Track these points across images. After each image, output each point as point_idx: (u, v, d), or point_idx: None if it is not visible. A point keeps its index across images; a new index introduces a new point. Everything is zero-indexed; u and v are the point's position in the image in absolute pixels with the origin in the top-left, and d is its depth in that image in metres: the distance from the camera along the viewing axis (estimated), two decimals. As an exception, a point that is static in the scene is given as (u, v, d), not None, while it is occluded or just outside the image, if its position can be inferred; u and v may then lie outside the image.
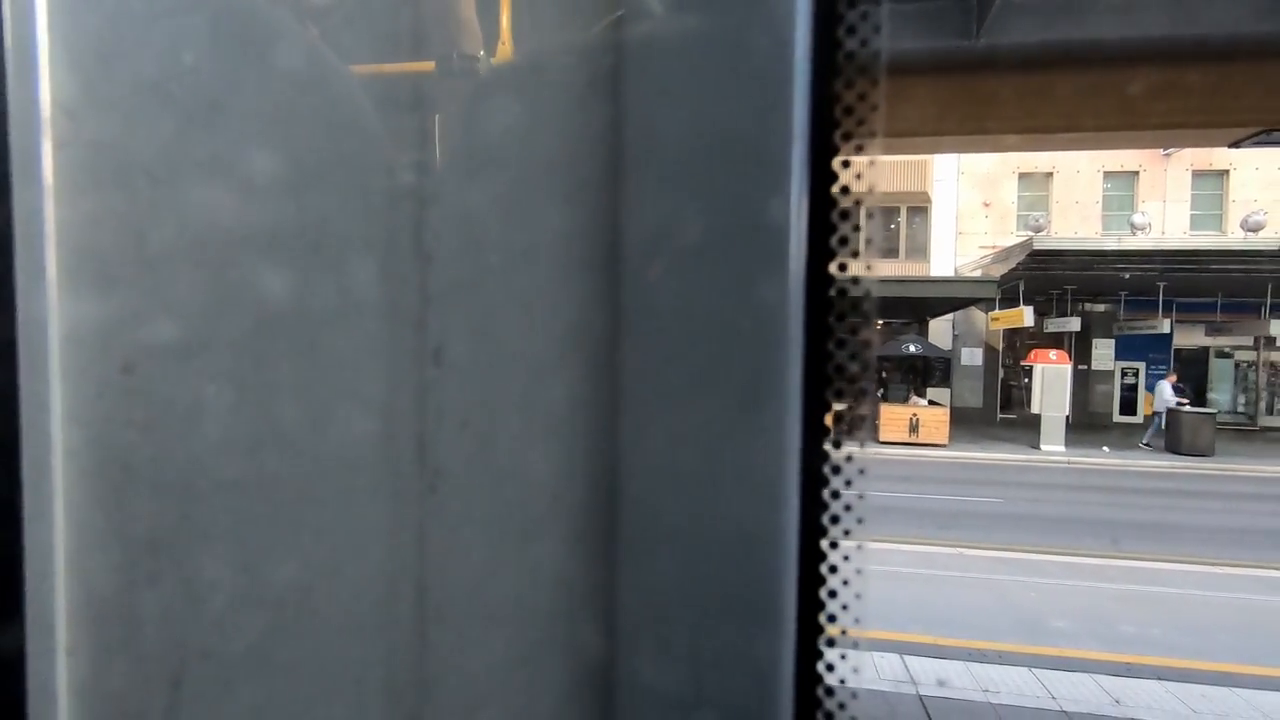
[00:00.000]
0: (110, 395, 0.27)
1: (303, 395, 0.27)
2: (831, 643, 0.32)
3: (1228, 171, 18.23)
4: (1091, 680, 4.24)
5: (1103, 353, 17.74)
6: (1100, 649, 4.75)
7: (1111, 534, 7.78)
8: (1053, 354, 14.92)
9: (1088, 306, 17.39)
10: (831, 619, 0.32)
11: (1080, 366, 17.10)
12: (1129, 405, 18.14)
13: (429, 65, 0.32)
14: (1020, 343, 18.03)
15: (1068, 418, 14.64)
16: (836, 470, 0.32)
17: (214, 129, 0.27)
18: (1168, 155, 18.21)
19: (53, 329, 0.27)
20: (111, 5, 0.27)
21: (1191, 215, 18.65)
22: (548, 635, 0.26)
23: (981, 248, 18.63)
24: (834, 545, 0.33)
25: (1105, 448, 14.47)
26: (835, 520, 0.32)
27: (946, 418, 14.71)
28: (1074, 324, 16.69)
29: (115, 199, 0.27)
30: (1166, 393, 14.61)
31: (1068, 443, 14.20)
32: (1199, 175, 18.56)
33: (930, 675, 4.21)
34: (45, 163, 0.27)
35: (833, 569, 0.32)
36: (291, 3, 0.29)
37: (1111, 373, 17.99)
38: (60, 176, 0.26)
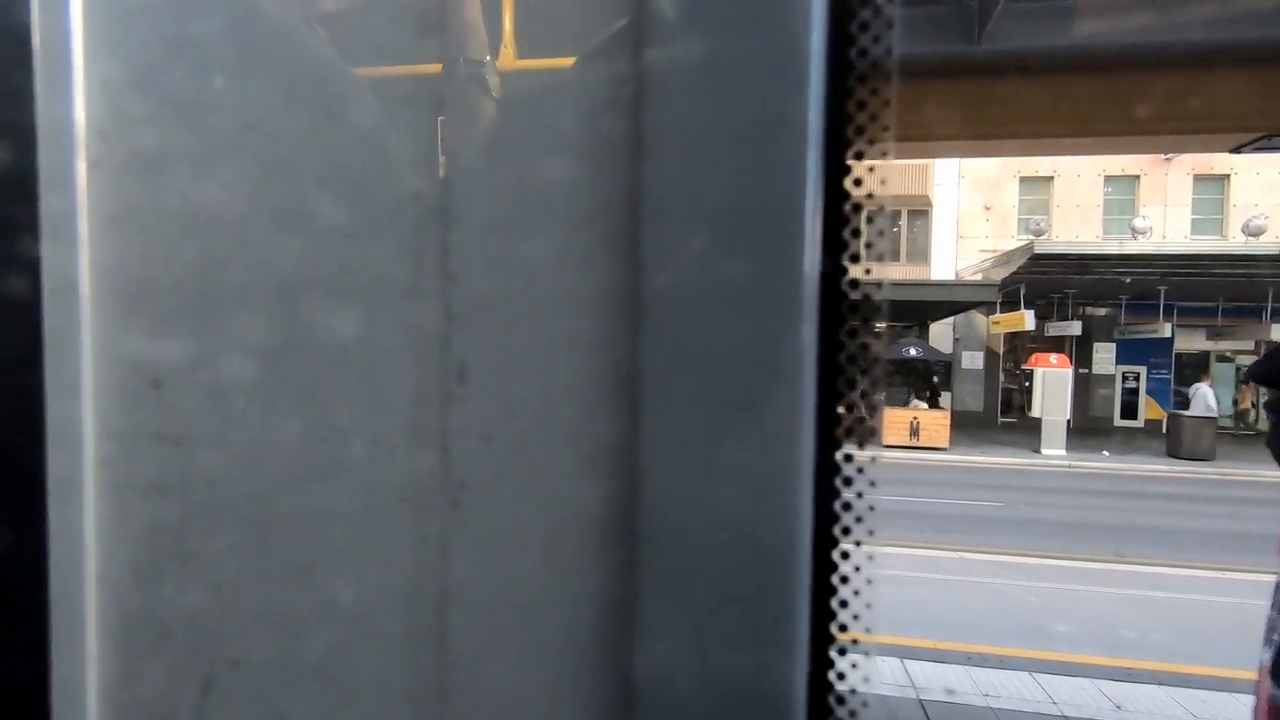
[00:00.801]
0: (141, 409, 0.28)
1: (329, 410, 0.28)
2: (843, 651, 0.33)
3: (1228, 176, 18.24)
4: (1092, 685, 4.24)
5: (1104, 357, 17.74)
6: (1101, 654, 4.74)
7: (1112, 538, 7.77)
8: (1053, 358, 14.92)
9: (1089, 310, 17.40)
10: (843, 628, 0.33)
11: (1081, 370, 17.09)
12: (1130, 409, 18.14)
13: (450, 82, 0.32)
14: (1021, 346, 18.03)
15: (1068, 422, 14.64)
16: (848, 482, 0.33)
17: (244, 150, 0.27)
18: (1168, 160, 18.21)
19: (85, 344, 0.28)
20: (144, 29, 0.28)
21: (1192, 219, 18.66)
22: (568, 646, 0.26)
23: (982, 251, 18.64)
24: (845, 556, 0.33)
25: (1105, 452, 14.46)
26: (846, 532, 0.33)
27: (947, 421, 14.71)
28: (1075, 328, 16.69)
29: (148, 217, 0.27)
30: (1210, 398, 14.19)
31: (1068, 447, 14.19)
32: (1200, 179, 18.57)
33: (931, 679, 4.21)
34: (79, 182, 0.27)
35: (844, 579, 0.33)
36: (320, 29, 0.30)
37: (1112, 377, 17.98)
38: (94, 195, 0.27)
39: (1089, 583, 6.37)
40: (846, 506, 0.33)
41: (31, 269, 0.28)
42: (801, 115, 0.29)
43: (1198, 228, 18.44)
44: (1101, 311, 17.57)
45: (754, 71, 0.29)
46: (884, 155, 0.33)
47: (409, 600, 0.27)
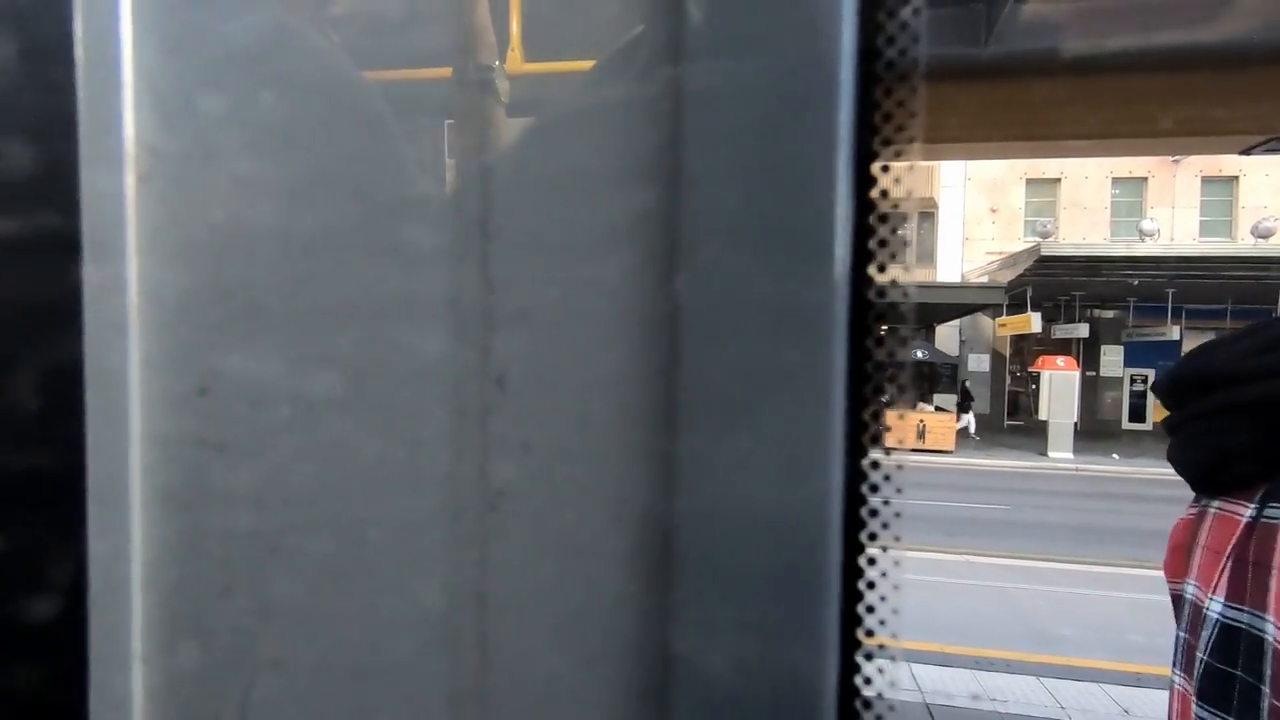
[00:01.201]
0: (187, 416, 0.29)
1: (370, 417, 0.28)
2: (869, 656, 0.33)
3: (1237, 178, 18.14)
4: (1100, 690, 4.22)
5: (1111, 359, 17.65)
6: (1109, 658, 4.72)
7: (1120, 542, 7.73)
8: (1060, 360, 14.87)
9: (1096, 313, 17.33)
10: (869, 633, 0.33)
11: (1088, 373, 17.02)
12: (1138, 412, 18.02)
13: (489, 95, 0.33)
14: (1027, 349, 17.96)
15: (1076, 424, 14.57)
16: (875, 489, 0.33)
17: (288, 165, 0.28)
18: (1176, 161, 18.12)
19: (132, 352, 0.29)
20: (191, 45, 0.28)
21: (1201, 221, 18.56)
22: (606, 649, 0.27)
23: (989, 254, 18.58)
24: (871, 562, 0.34)
25: (1115, 455, 14.37)
26: (873, 537, 0.33)
27: (953, 424, 14.67)
28: (1082, 330, 16.62)
29: (195, 231, 0.28)
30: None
31: (1075, 450, 14.13)
32: (1208, 181, 18.47)
33: (937, 683, 4.20)
34: (128, 195, 0.28)
35: (870, 585, 0.33)
36: (361, 53, 0.31)
37: (1120, 379, 17.88)
38: (142, 208, 0.28)
39: (1097, 587, 6.34)
40: (873, 513, 0.33)
41: (76, 276, 0.29)
42: (831, 128, 0.29)
43: (1206, 229, 18.34)
44: (1109, 314, 17.50)
45: (783, 83, 0.29)
46: (910, 167, 0.34)
47: (449, 604, 0.27)
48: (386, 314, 0.27)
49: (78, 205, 0.30)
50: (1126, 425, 17.67)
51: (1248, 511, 0.76)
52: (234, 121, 0.27)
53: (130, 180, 0.28)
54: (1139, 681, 4.39)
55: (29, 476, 0.31)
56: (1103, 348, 17.37)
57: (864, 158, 0.31)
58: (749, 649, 0.26)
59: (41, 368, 0.30)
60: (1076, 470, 12.84)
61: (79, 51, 0.31)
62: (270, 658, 0.28)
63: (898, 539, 0.34)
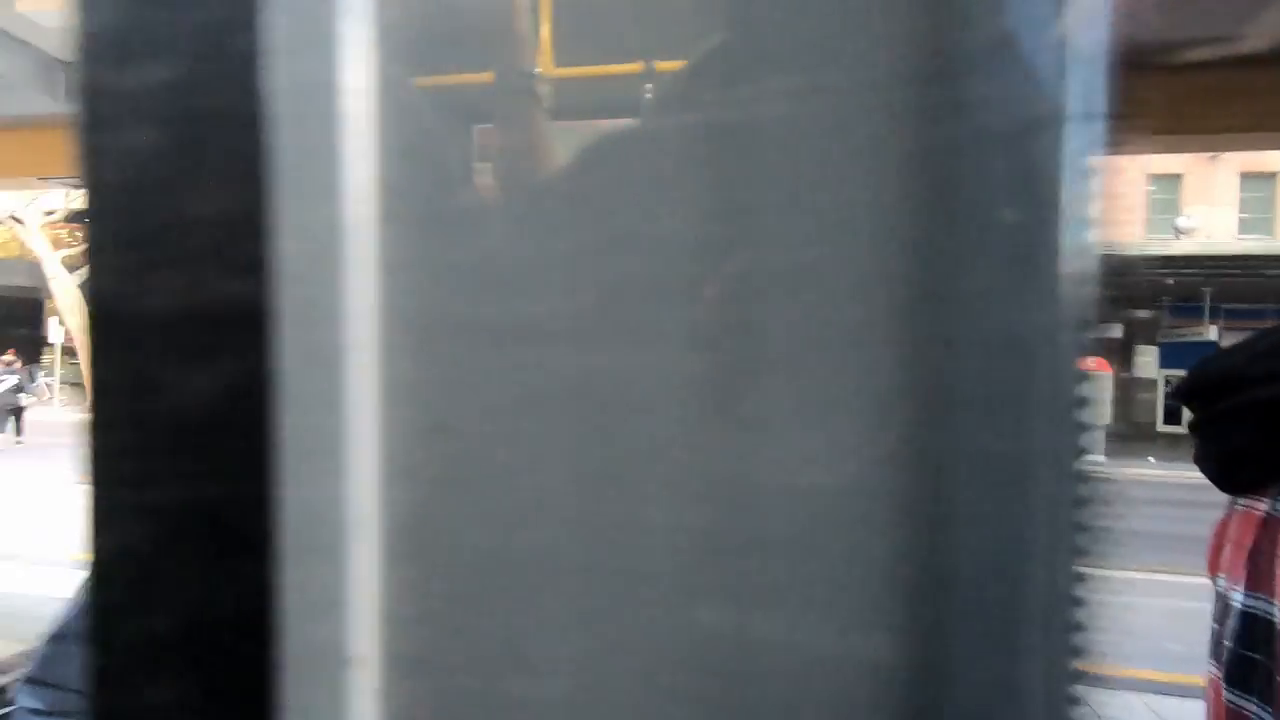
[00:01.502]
0: (425, 454, 0.28)
1: (613, 461, 0.28)
2: (1081, 683, 0.33)
3: (1277, 174, 17.61)
4: (1139, 700, 4.13)
5: (1145, 360, 17.22)
6: (1148, 668, 4.61)
7: (1155, 548, 7.54)
8: (1092, 361, 14.51)
9: (1129, 313, 16.93)
10: (1082, 657, 0.33)
11: (1122, 374, 16.63)
12: (1174, 414, 17.57)
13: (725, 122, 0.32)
14: (1058, 349, 17.57)
15: (1108, 427, 14.27)
16: (1087, 505, 0.32)
17: (520, 205, 0.28)
18: (1214, 158, 17.63)
19: (372, 389, 0.28)
20: (425, 95, 0.28)
21: (1240, 219, 18.04)
22: (861, 696, 0.26)
23: (1018, 252, 18.20)
24: (1085, 582, 0.33)
25: (1150, 458, 14.04)
26: (1088, 556, 0.32)
27: (981, 425, 14.41)
28: (1115, 330, 16.25)
29: (436, 269, 0.28)
30: None
31: (1108, 453, 13.80)
32: (1247, 178, 17.96)
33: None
34: (374, 234, 0.28)
35: (1084, 607, 0.33)
36: (589, 94, 0.30)
37: (1155, 381, 17.45)
38: (387, 248, 0.27)
39: (1132, 593, 6.20)
40: (1086, 529, 0.32)
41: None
42: (1062, 116, 0.28)
43: (1246, 227, 17.84)
44: (1143, 314, 17.09)
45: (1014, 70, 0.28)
46: (1137, 152, 0.32)
47: (690, 655, 0.26)
48: (629, 352, 0.27)
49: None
50: (1162, 428, 17.23)
51: (1264, 506, 0.81)
52: (465, 166, 0.27)
53: (376, 220, 0.27)
54: (1179, 691, 4.28)
55: (241, 508, 0.30)
56: (1137, 348, 16.96)
57: (1093, 150, 0.30)
58: (992, 672, 0.25)
59: (246, 392, 0.29)
60: (1109, 474, 12.53)
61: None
62: (510, 697, 0.27)
63: (1113, 558, 0.33)
